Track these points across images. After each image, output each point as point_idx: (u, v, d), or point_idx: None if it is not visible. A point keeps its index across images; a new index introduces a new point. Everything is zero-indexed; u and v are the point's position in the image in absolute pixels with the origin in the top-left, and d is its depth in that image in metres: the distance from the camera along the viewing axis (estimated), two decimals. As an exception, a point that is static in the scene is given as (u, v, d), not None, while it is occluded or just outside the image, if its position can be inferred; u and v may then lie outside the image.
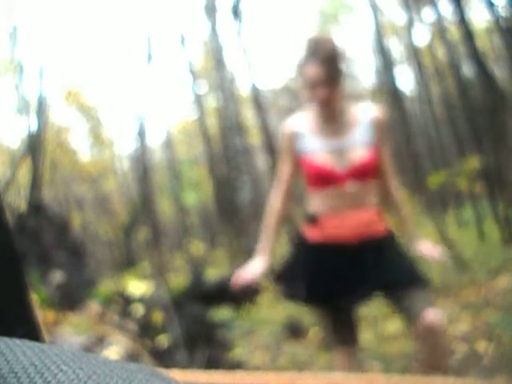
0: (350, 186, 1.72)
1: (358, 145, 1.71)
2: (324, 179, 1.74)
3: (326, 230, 1.77)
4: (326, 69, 1.64)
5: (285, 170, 1.84)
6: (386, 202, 1.82)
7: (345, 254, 1.74)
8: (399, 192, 1.82)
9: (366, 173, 1.72)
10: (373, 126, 1.72)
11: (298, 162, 1.80)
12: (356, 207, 1.74)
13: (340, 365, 1.84)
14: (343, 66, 1.69)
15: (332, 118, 1.73)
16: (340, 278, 1.74)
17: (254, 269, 1.79)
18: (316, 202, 1.79)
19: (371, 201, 1.77)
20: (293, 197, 1.89)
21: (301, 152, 1.78)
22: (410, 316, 1.72)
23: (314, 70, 1.65)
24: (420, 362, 1.71)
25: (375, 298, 1.87)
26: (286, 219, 1.92)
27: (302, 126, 1.80)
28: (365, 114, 1.74)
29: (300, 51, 1.71)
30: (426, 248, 1.78)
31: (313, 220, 1.80)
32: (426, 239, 1.85)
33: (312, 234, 1.81)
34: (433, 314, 1.62)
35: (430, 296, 1.79)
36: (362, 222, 1.74)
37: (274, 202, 1.86)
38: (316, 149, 1.75)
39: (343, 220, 1.74)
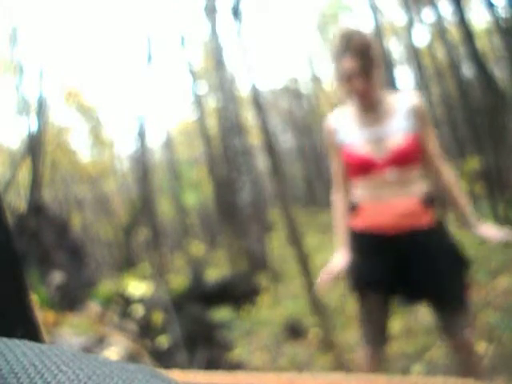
0: (390, 174, 1.73)
1: (396, 132, 1.73)
2: (363, 168, 1.76)
3: (366, 218, 1.79)
4: (361, 61, 1.68)
5: (334, 165, 1.89)
6: (439, 186, 1.79)
7: (386, 245, 1.74)
8: (451, 175, 1.77)
9: (405, 159, 1.72)
10: (411, 113, 1.73)
11: (341, 156, 1.85)
12: (397, 196, 1.74)
13: (365, 364, 1.82)
14: (377, 57, 1.72)
15: (370, 108, 1.76)
16: (380, 269, 1.76)
17: (338, 263, 1.82)
18: (357, 191, 1.82)
19: (415, 190, 1.74)
20: (350, 186, 1.89)
21: (342, 145, 1.82)
22: (447, 330, 1.77)
23: (349, 63, 1.69)
24: (458, 369, 1.81)
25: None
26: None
27: (340, 120, 1.84)
28: (402, 102, 1.76)
29: (334, 45, 1.75)
30: (489, 231, 1.72)
31: (353, 209, 1.84)
32: (487, 222, 1.78)
33: (354, 223, 1.85)
34: (469, 334, 1.72)
35: (469, 310, 1.78)
36: (404, 212, 1.73)
37: (335, 198, 1.92)
38: (355, 139, 1.78)
39: (384, 209, 1.75)
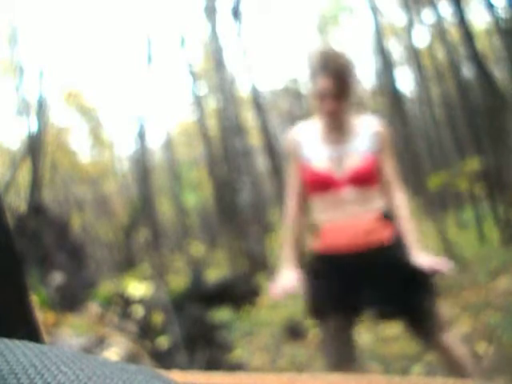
0: (348, 193, 1.72)
1: (357, 152, 1.74)
2: (322, 185, 1.75)
3: (326, 239, 1.76)
4: (336, 82, 1.67)
5: (293, 177, 1.84)
6: (391, 211, 1.77)
7: (347, 263, 1.71)
8: (404, 203, 1.77)
9: (363, 179, 1.73)
10: (374, 137, 1.75)
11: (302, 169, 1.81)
12: (355, 215, 1.72)
13: None
14: (353, 80, 1.72)
15: (337, 127, 1.76)
16: (341, 291, 1.70)
17: (287, 282, 1.71)
18: (317, 211, 1.79)
19: (373, 207, 1.74)
20: (307, 203, 1.83)
21: (303, 159, 1.79)
22: (422, 337, 1.75)
23: (324, 83, 1.68)
24: (447, 370, 1.77)
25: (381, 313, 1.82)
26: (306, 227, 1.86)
27: (305, 133, 1.82)
28: (367, 126, 1.77)
29: (311, 62, 1.73)
30: (425, 261, 1.65)
31: (314, 230, 1.80)
32: (428, 252, 1.73)
33: (315, 245, 1.80)
34: (446, 339, 1.67)
35: (439, 312, 1.75)
36: (363, 230, 1.71)
37: (288, 211, 1.85)
38: (316, 155, 1.77)
39: (342, 228, 1.73)
